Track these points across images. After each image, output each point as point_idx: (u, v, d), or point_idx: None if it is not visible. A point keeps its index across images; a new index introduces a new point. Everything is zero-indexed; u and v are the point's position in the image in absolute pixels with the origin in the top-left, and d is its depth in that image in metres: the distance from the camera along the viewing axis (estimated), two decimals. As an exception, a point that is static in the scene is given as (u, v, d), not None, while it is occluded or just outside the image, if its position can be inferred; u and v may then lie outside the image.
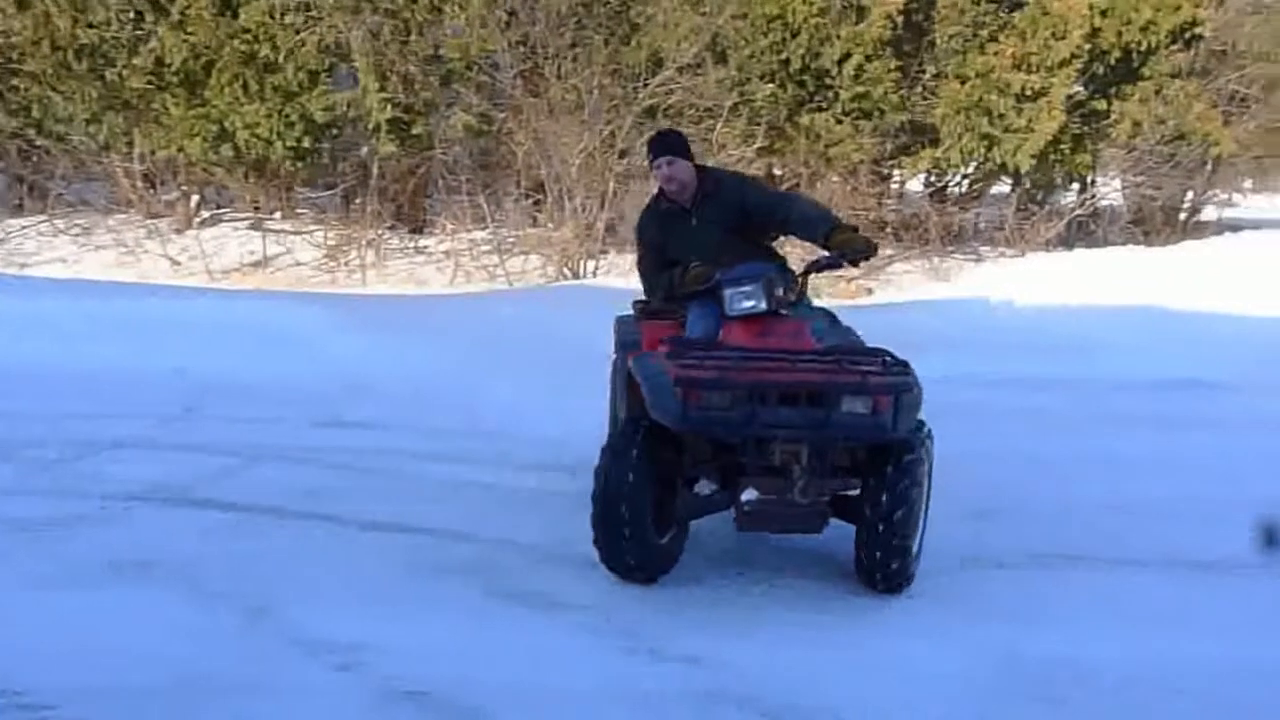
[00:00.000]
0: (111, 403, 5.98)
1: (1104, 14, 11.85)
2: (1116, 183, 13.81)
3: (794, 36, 11.31)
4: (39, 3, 11.00)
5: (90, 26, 11.06)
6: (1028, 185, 12.82)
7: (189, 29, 10.95)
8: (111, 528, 4.27)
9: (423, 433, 5.70)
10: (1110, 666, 3.36)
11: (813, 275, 4.23)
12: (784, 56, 11.37)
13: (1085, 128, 12.26)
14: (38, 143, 12.09)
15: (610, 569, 3.78)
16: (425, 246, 12.28)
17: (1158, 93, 12.24)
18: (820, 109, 11.53)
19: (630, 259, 10.74)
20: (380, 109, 10.85)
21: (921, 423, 3.77)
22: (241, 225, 12.45)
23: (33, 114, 11.51)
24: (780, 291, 3.90)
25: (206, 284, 10.82)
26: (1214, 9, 12.77)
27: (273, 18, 10.98)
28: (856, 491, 3.76)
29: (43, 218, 12.38)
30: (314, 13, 11.06)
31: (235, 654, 3.28)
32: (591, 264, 11.22)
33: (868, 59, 11.32)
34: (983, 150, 11.69)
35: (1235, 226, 13.36)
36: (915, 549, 3.81)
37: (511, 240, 11.78)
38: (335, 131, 11.61)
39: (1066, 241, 12.87)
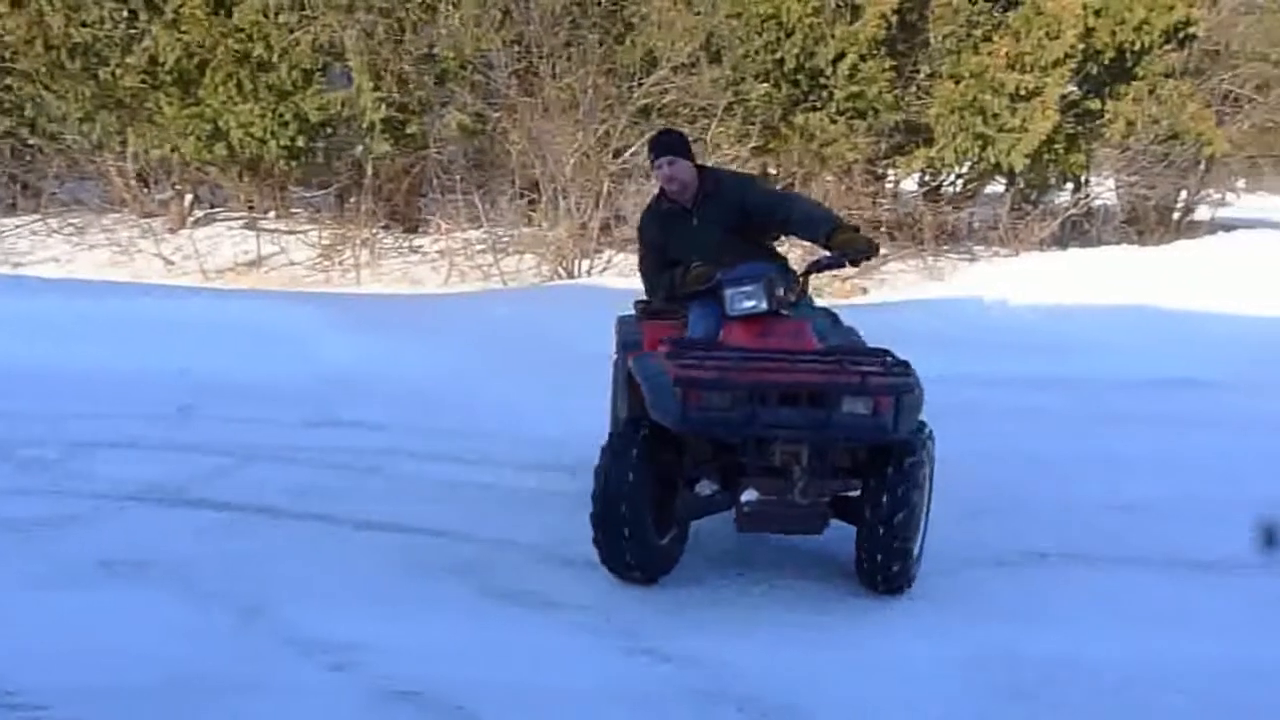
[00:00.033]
0: (105, 402, 5.94)
1: (1098, 14, 11.85)
2: (1110, 182, 13.81)
3: (788, 36, 11.28)
4: (32, 1, 10.93)
5: (84, 25, 10.99)
6: (1022, 185, 12.81)
7: (183, 28, 10.89)
8: (105, 527, 4.25)
9: (419, 432, 5.67)
10: (1110, 666, 3.36)
11: (813, 275, 4.22)
12: (778, 56, 11.35)
13: (1079, 127, 12.26)
14: (31, 142, 12.04)
15: (610, 569, 3.77)
16: (420, 246, 12.23)
17: (1151, 92, 12.25)
18: (815, 108, 11.51)
19: (625, 258, 10.87)
20: (374, 108, 10.80)
21: (923, 424, 3.76)
22: (235, 225, 12.38)
23: (26, 113, 11.44)
24: (781, 292, 3.90)
25: (200, 284, 10.76)
26: (1207, 9, 12.79)
27: (267, 17, 10.93)
28: (857, 493, 3.75)
29: (36, 217, 12.32)
30: (308, 12, 10.99)
31: (230, 654, 3.26)
32: (586, 263, 11.20)
33: (862, 58, 11.29)
34: (977, 150, 11.67)
35: (1229, 226, 13.35)
36: (916, 551, 3.80)
37: (506, 240, 11.75)
38: (329, 131, 11.53)
39: (1060, 241, 12.88)
